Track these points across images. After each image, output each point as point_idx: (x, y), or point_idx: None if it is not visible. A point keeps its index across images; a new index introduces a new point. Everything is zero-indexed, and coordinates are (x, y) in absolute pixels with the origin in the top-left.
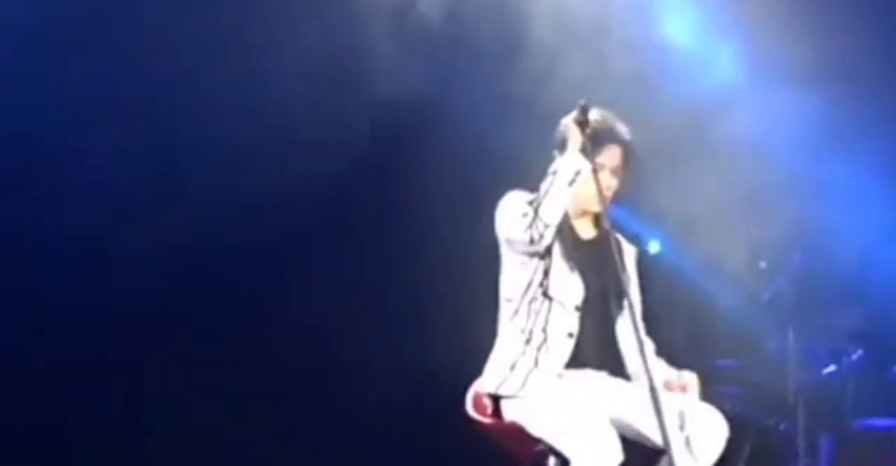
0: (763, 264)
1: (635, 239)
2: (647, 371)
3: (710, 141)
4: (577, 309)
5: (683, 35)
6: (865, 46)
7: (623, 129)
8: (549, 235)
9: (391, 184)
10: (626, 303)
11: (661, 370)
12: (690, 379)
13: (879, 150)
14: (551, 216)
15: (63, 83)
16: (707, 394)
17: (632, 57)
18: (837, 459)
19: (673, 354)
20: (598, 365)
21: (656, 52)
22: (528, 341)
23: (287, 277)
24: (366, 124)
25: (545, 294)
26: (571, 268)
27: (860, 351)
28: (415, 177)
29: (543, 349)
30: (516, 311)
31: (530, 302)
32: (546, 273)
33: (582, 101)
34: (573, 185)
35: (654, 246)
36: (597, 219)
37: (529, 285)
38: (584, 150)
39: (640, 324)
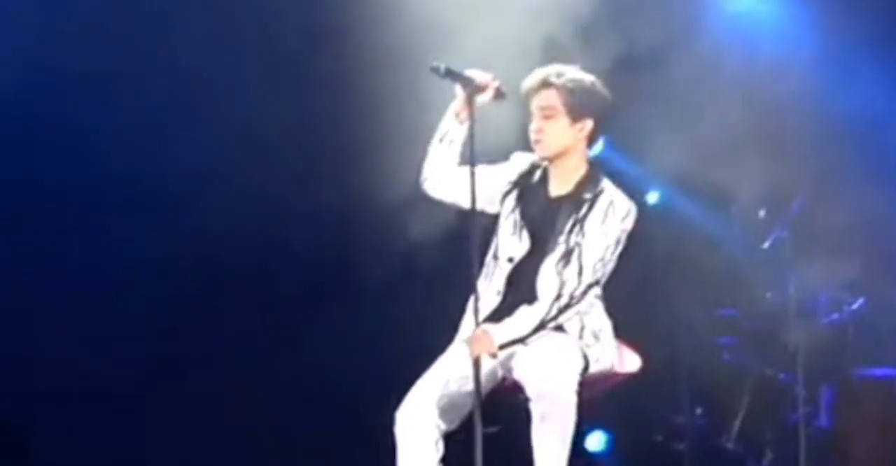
0: (762, 213)
1: (636, 193)
2: (477, 321)
3: (715, 88)
4: (510, 261)
5: None
6: None
7: (563, 74)
8: (431, 188)
9: None
10: (560, 255)
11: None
12: (479, 334)
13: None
14: (425, 169)
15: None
16: (707, 344)
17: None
18: (837, 408)
19: (673, 304)
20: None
21: None
22: (476, 301)
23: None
24: None
25: (495, 255)
26: (522, 225)
27: (860, 301)
28: None
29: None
30: (486, 274)
31: (486, 265)
32: (498, 235)
33: (433, 64)
34: (443, 142)
35: (652, 197)
36: (585, 177)
37: (489, 250)
38: (467, 108)
39: (572, 278)
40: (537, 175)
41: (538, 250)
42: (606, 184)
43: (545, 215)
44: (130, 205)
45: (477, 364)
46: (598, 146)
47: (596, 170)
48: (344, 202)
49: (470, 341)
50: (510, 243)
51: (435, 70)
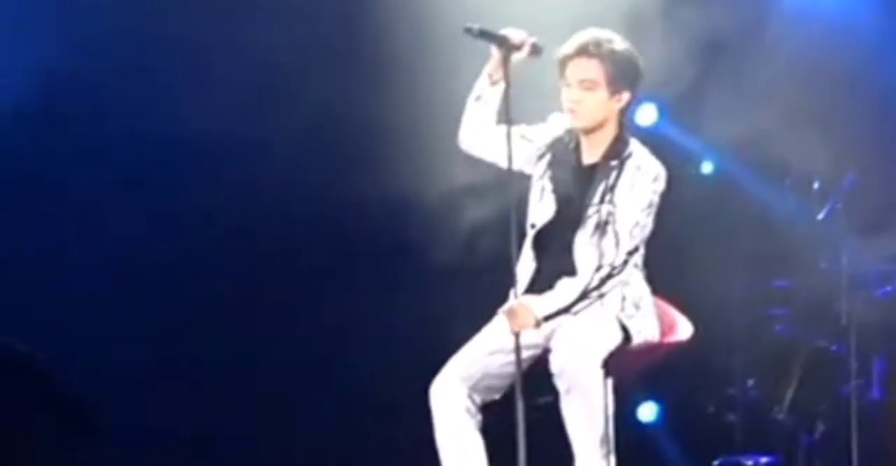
0: (816, 184)
1: (691, 163)
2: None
3: (773, 61)
4: (532, 227)
5: None
6: None
7: (602, 45)
8: (469, 147)
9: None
10: (593, 227)
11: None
12: (517, 308)
13: None
14: (462, 129)
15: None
16: (760, 315)
17: None
18: (890, 381)
19: (726, 275)
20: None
21: None
22: (514, 269)
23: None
24: None
25: (530, 222)
26: (549, 191)
27: None
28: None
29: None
30: (519, 244)
31: (527, 232)
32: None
33: (466, 25)
34: (479, 102)
35: (706, 167)
36: (614, 143)
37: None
38: (500, 68)
39: (610, 248)
40: (571, 140)
41: (563, 218)
42: (634, 147)
43: (574, 183)
44: (171, 196)
45: (517, 336)
46: (653, 116)
47: (624, 135)
48: (401, 189)
49: (508, 314)
50: (535, 209)
51: (468, 31)
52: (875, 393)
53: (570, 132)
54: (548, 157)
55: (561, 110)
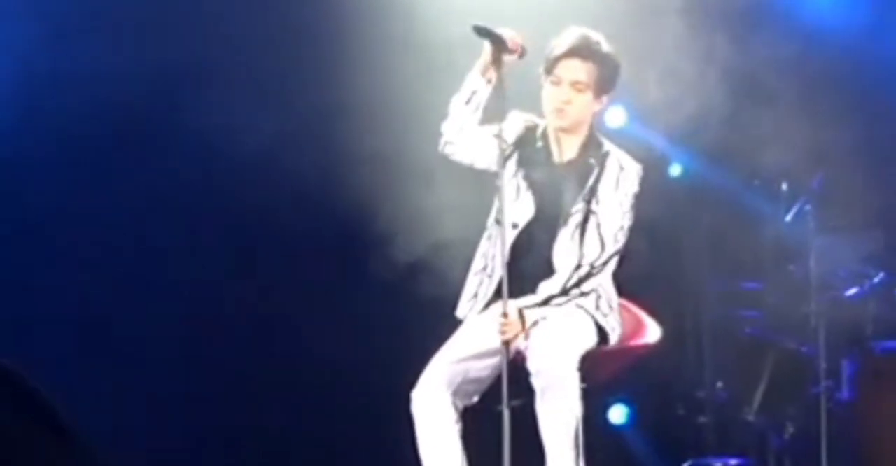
0: (784, 186)
1: (660, 165)
2: (504, 299)
3: (743, 59)
4: (514, 226)
5: None
6: None
7: (592, 46)
8: (452, 151)
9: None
10: (574, 225)
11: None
12: (512, 316)
13: None
14: (449, 132)
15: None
16: (729, 317)
17: None
18: (859, 381)
19: (696, 277)
20: (534, 288)
21: None
22: (484, 267)
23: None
24: None
25: (497, 220)
26: (526, 189)
27: (882, 274)
28: None
29: (488, 275)
30: (488, 237)
31: (490, 226)
32: (501, 199)
33: (473, 23)
34: (470, 104)
35: (675, 170)
36: (587, 141)
37: (494, 210)
38: (491, 68)
39: (594, 248)
40: (536, 137)
41: (544, 216)
42: (609, 145)
43: (551, 181)
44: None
45: (507, 343)
46: (622, 118)
47: (596, 133)
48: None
49: (505, 322)
50: (514, 208)
51: (476, 29)
52: (844, 394)
53: (532, 129)
54: (516, 156)
55: (530, 107)
